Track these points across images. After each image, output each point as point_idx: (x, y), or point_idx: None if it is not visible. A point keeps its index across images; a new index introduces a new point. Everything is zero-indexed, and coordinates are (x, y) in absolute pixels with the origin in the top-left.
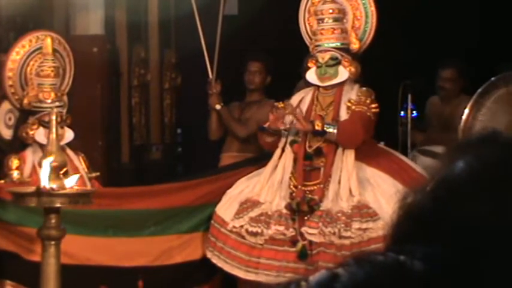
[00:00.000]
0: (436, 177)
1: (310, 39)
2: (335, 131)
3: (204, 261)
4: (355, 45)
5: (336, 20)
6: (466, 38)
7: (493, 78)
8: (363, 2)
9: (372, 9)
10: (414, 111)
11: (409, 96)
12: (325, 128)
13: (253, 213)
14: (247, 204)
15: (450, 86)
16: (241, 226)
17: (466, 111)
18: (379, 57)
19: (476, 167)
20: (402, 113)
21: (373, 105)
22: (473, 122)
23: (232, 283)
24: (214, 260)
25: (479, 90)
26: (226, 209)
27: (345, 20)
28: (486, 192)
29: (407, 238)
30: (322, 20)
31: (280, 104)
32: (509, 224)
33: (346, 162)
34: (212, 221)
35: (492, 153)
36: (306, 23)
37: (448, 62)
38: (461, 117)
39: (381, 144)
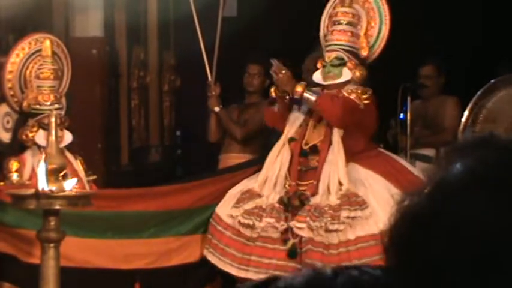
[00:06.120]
0: (434, 180)
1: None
2: (313, 98)
3: (202, 265)
4: (364, 51)
5: (349, 23)
6: (468, 39)
7: (492, 80)
8: (379, 12)
9: (387, 22)
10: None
11: (409, 99)
12: (305, 93)
13: (248, 206)
14: (247, 195)
15: (431, 82)
16: (236, 216)
17: (466, 113)
18: (378, 59)
19: (474, 169)
20: (402, 115)
21: (364, 96)
22: (473, 124)
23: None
24: (209, 257)
25: (479, 92)
26: (224, 207)
27: (358, 27)
28: (485, 194)
29: (405, 240)
30: (336, 22)
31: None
32: (508, 225)
33: (336, 157)
34: (211, 220)
35: (490, 156)
36: (324, 29)
37: (427, 59)
38: (444, 118)
39: (380, 147)
